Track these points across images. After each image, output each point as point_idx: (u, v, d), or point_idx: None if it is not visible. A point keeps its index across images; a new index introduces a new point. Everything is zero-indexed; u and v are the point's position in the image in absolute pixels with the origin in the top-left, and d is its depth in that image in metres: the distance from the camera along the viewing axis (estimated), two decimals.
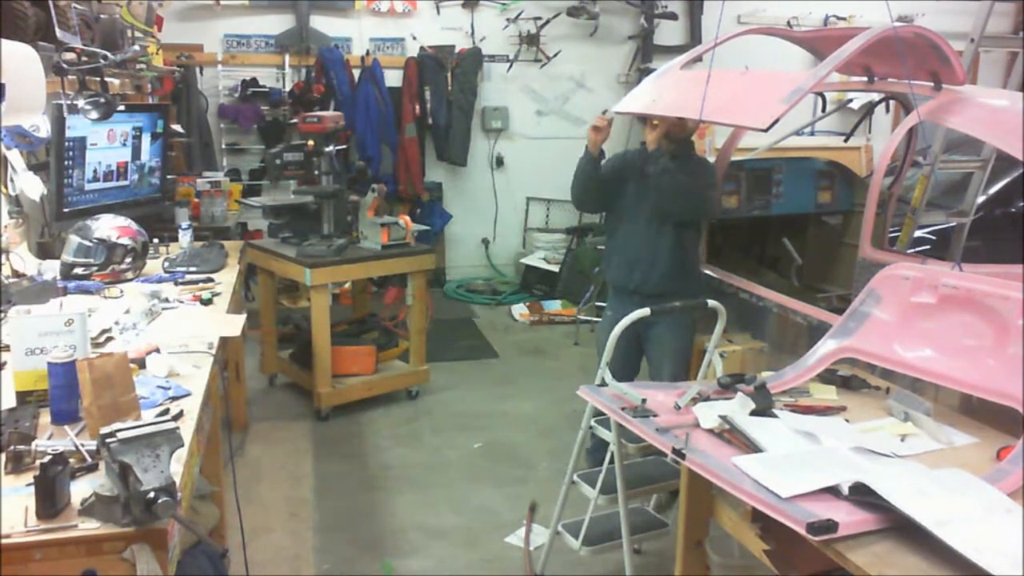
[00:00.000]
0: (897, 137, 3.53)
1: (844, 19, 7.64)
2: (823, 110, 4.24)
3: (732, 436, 2.17)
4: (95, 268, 3.38)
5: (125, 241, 3.47)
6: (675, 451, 2.10)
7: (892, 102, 3.90)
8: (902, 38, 2.79)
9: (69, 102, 3.35)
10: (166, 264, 3.70)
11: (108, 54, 3.48)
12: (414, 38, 7.23)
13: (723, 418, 2.23)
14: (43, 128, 3.36)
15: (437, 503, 3.80)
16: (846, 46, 2.80)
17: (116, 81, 4.11)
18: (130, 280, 3.48)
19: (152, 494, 1.55)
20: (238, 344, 4.37)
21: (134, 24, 4.41)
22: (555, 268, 7.20)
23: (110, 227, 3.48)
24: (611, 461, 2.83)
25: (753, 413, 2.29)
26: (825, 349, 2.60)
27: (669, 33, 7.58)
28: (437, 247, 7.11)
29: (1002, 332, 2.21)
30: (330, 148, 4.66)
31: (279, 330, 5.29)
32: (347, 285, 6.10)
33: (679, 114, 3.22)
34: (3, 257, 3.15)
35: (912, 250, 3.95)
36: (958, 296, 2.34)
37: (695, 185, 3.41)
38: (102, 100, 3.33)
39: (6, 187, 3.42)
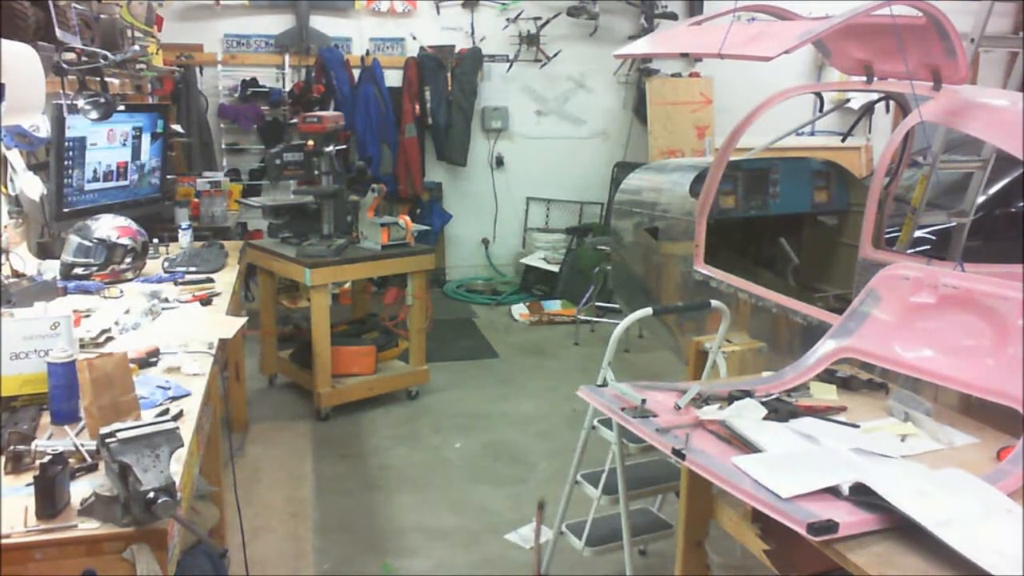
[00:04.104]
0: (897, 137, 3.53)
1: None
2: (821, 110, 4.24)
3: (732, 437, 2.17)
4: (95, 268, 3.38)
5: (125, 241, 3.47)
6: (675, 451, 2.10)
7: (892, 102, 3.90)
8: (907, 24, 2.77)
9: (69, 102, 3.34)
10: (166, 264, 3.70)
11: (108, 54, 3.49)
12: (414, 38, 7.23)
13: (722, 422, 2.23)
14: (43, 128, 3.36)
15: (437, 503, 3.80)
16: (860, 4, 2.79)
17: (116, 81, 4.11)
18: (130, 280, 3.48)
19: (152, 494, 1.55)
20: (238, 344, 4.37)
21: (134, 24, 4.42)
22: (555, 268, 7.20)
23: (110, 227, 3.48)
24: None
25: (766, 418, 2.29)
26: (825, 349, 2.60)
27: None
28: (437, 247, 7.11)
29: (1002, 332, 2.21)
30: (330, 148, 4.67)
31: (279, 330, 5.29)
32: (347, 285, 6.10)
33: (694, 51, 2.97)
34: (3, 257, 3.15)
35: (912, 250, 3.95)
36: (958, 296, 2.34)
37: None
38: (102, 100, 3.33)
39: (6, 187, 3.42)
